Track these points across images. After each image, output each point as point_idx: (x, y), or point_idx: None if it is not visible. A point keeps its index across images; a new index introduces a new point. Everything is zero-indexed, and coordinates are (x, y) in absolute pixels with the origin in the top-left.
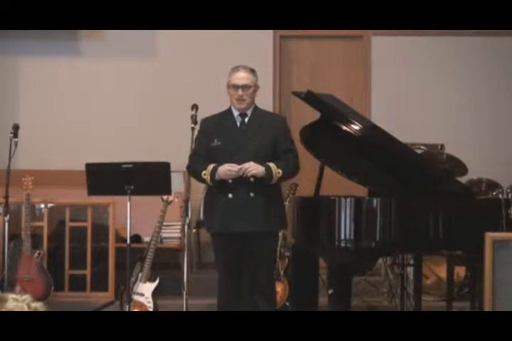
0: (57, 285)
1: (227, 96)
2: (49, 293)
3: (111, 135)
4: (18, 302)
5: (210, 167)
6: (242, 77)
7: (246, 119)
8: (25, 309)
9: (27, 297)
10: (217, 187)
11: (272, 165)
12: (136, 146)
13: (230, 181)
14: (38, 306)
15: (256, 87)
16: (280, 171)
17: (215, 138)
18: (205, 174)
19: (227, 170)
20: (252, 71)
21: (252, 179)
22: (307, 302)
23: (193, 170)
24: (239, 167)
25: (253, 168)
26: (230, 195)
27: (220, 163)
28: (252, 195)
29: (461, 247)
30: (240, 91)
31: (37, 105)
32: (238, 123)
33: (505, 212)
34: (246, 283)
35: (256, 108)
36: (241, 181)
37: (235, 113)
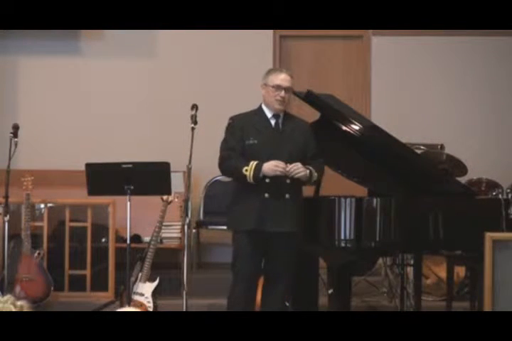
0: (57, 285)
1: (227, 96)
2: (49, 293)
3: (111, 135)
4: (2, 303)
5: (254, 163)
6: (287, 79)
7: (280, 121)
8: (12, 309)
9: (9, 297)
10: (253, 186)
11: (311, 168)
12: (136, 146)
13: (267, 181)
14: (23, 304)
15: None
16: (316, 175)
17: (251, 136)
18: (246, 170)
19: (274, 165)
20: (293, 76)
21: (288, 180)
22: (307, 302)
23: (230, 165)
24: (286, 166)
25: (301, 170)
26: (267, 195)
27: (262, 161)
28: (287, 196)
29: (461, 247)
30: (283, 93)
31: (37, 105)
32: (273, 124)
33: (505, 212)
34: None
35: (286, 112)
36: (277, 182)
37: (268, 114)
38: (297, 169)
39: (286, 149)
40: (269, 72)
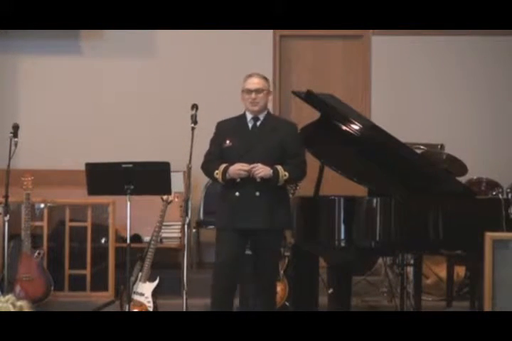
0: (57, 285)
1: (227, 96)
2: (49, 293)
3: (111, 135)
4: (2, 303)
5: (222, 167)
6: (255, 82)
7: (258, 123)
8: (11, 309)
9: (10, 296)
10: (227, 186)
11: (279, 167)
12: (136, 146)
13: (239, 180)
14: (23, 304)
15: (268, 92)
16: (287, 174)
17: (228, 139)
18: (217, 173)
19: (238, 169)
20: (265, 78)
21: (258, 179)
22: (307, 302)
23: (207, 169)
24: (249, 167)
25: (261, 170)
26: (237, 193)
27: (231, 163)
28: (257, 194)
29: (461, 247)
30: (253, 95)
31: (37, 105)
32: (250, 126)
33: (505, 212)
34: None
35: (269, 113)
36: (248, 180)
37: (249, 117)
38: (257, 170)
39: (258, 150)
40: (244, 79)
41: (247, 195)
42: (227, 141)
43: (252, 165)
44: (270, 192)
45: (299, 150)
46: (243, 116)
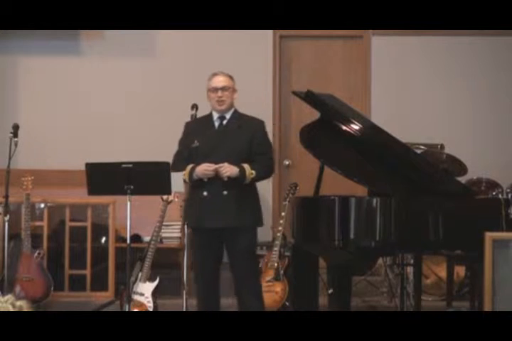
0: (57, 285)
1: None
2: (49, 293)
3: (111, 135)
4: (1, 303)
5: (189, 167)
6: (220, 80)
7: (224, 121)
8: (10, 309)
9: (9, 297)
10: (195, 186)
11: (246, 166)
12: (136, 146)
13: (206, 180)
14: (23, 304)
15: (234, 90)
16: (254, 172)
17: (195, 139)
18: (184, 174)
19: (204, 169)
20: (230, 76)
21: (225, 178)
22: (307, 302)
23: (174, 170)
24: (215, 167)
25: (227, 170)
26: (205, 193)
27: (198, 163)
28: (225, 192)
29: (460, 247)
30: (219, 93)
31: (37, 105)
32: (217, 125)
33: (505, 211)
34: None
35: (236, 111)
36: (215, 180)
37: (215, 116)
38: (223, 169)
39: (225, 149)
40: (208, 78)
41: (214, 194)
42: (195, 141)
43: (218, 165)
44: (238, 190)
45: (267, 147)
46: (209, 116)
